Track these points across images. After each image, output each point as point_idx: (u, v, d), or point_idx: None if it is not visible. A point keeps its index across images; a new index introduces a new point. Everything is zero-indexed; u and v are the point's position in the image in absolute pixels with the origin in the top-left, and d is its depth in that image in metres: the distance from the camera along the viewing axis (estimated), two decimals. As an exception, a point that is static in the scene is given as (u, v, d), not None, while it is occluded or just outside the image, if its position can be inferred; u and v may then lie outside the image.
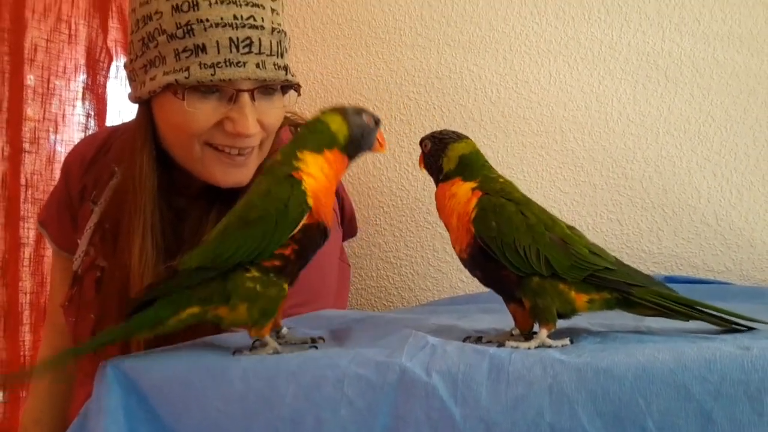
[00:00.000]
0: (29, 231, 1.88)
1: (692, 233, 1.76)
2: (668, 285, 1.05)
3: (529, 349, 0.91)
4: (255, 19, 1.25)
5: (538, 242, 0.98)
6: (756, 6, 1.74)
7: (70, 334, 1.50)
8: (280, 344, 1.01)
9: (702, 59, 1.76)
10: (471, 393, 0.81)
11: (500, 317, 1.12)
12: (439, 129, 1.14)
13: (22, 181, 1.87)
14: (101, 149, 1.55)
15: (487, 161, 1.10)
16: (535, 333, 0.98)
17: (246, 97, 1.27)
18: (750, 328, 0.98)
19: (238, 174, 1.34)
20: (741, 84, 1.75)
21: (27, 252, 1.88)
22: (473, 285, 1.10)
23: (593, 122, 1.81)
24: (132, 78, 1.36)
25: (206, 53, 1.23)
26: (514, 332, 1.05)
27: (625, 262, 1.12)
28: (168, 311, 0.98)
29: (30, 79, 1.90)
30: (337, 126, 1.07)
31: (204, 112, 1.27)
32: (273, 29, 1.28)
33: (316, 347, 1.00)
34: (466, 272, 1.08)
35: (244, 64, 1.24)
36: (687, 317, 1.00)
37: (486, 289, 1.08)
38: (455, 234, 1.04)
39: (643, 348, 0.86)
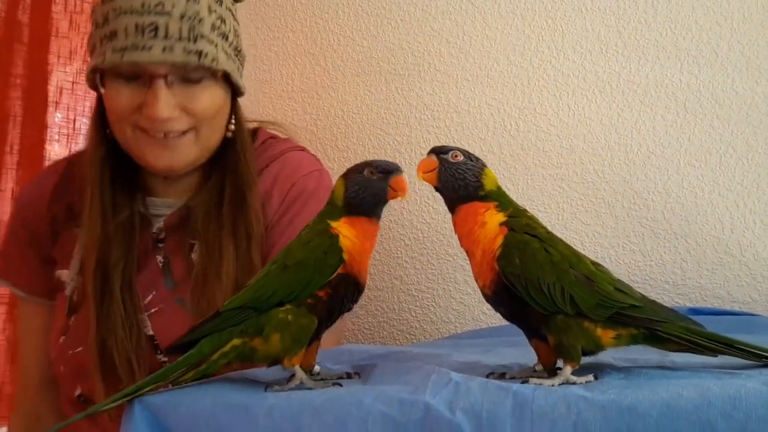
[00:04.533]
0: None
1: (716, 264, 1.75)
2: (693, 317, 1.04)
3: (552, 386, 0.91)
4: (163, 6, 1.31)
5: (563, 280, 0.97)
6: (774, 36, 1.75)
7: (66, 368, 1.46)
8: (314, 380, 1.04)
9: (721, 90, 1.76)
10: (495, 431, 0.81)
11: (524, 351, 1.12)
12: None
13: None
14: (62, 178, 1.55)
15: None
16: (559, 368, 0.98)
17: (160, 82, 1.32)
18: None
19: (168, 157, 1.39)
20: (761, 114, 1.75)
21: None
22: (496, 318, 1.10)
23: (613, 154, 1.82)
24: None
25: (117, 38, 1.31)
26: (537, 368, 1.04)
27: (649, 294, 1.11)
28: (210, 346, 1.03)
29: (57, 118, 1.96)
30: (338, 190, 1.11)
31: (124, 96, 1.35)
32: (183, 15, 1.32)
33: (340, 384, 1.02)
34: (489, 305, 1.08)
35: (150, 48, 1.30)
36: (715, 352, 0.99)
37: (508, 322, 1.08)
38: (478, 268, 1.03)
39: (667, 384, 0.85)
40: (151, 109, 1.33)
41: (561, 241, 1.03)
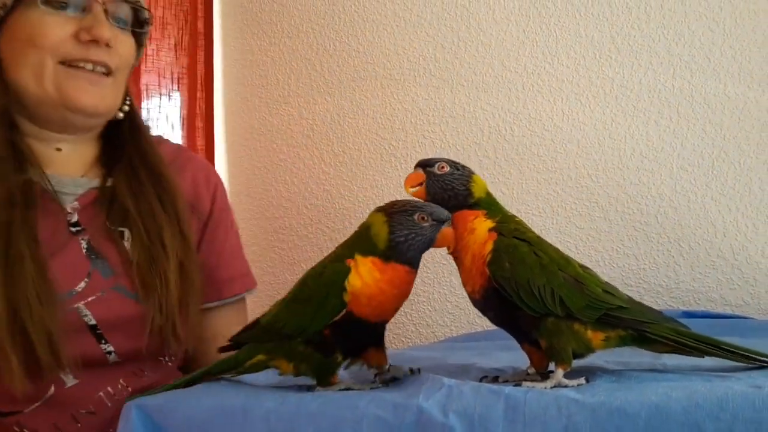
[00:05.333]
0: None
1: (709, 267, 1.77)
2: (685, 320, 1.06)
3: (545, 388, 0.92)
4: None
5: (552, 282, 0.98)
6: (765, 42, 1.77)
7: None
8: (375, 380, 1.07)
9: (713, 95, 1.78)
10: (487, 433, 0.82)
11: (517, 354, 1.13)
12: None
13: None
14: None
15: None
16: (551, 372, 0.99)
17: (99, 7, 1.31)
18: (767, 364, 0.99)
19: (93, 93, 1.33)
20: (753, 119, 1.77)
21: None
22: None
23: (607, 159, 1.84)
24: None
25: None
26: (530, 371, 1.06)
27: (643, 298, 1.13)
28: (243, 356, 1.10)
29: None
30: (378, 228, 1.03)
31: (55, 24, 1.30)
32: None
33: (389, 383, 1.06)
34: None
35: None
36: (702, 353, 1.01)
37: (499, 326, 1.09)
38: (467, 274, 1.04)
39: (657, 386, 0.86)
40: (95, 30, 1.30)
41: (549, 244, 1.05)
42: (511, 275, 0.99)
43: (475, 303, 1.06)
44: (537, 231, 1.09)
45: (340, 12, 2.06)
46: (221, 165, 2.21)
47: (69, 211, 1.35)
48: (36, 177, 1.32)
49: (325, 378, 1.05)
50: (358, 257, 1.02)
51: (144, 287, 1.31)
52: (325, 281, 1.03)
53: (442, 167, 1.07)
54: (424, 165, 1.09)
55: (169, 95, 2.07)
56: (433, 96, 1.97)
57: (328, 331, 1.02)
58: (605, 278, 1.05)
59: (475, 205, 1.06)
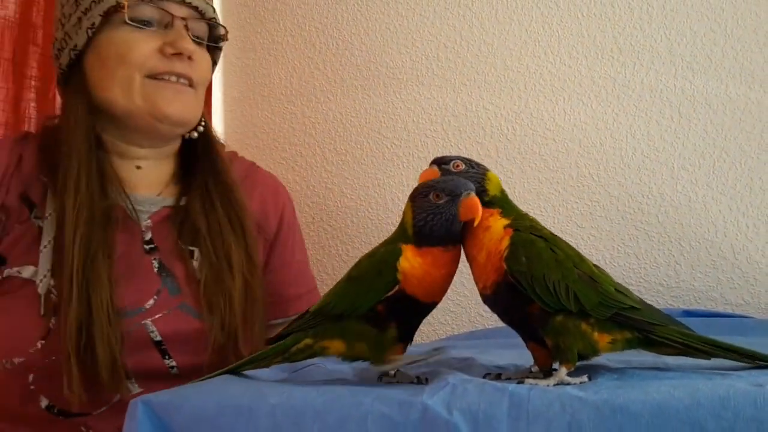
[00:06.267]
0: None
1: (709, 267, 1.78)
2: (685, 319, 1.06)
3: (548, 386, 0.93)
4: None
5: (567, 278, 0.98)
6: (767, 42, 1.77)
7: (39, 375, 1.28)
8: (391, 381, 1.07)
9: (714, 96, 1.79)
10: (491, 430, 0.83)
11: (519, 353, 1.13)
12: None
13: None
14: (4, 167, 1.37)
15: None
16: (555, 370, 1.00)
17: (181, 22, 1.37)
18: (769, 365, 0.99)
19: (179, 102, 1.39)
20: (754, 119, 1.77)
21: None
22: (492, 319, 1.12)
23: (608, 158, 1.84)
24: (62, 47, 1.39)
25: None
26: (533, 369, 1.06)
27: (643, 296, 1.13)
28: (291, 342, 1.09)
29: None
30: (407, 216, 1.06)
31: (141, 40, 1.36)
32: None
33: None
34: (485, 306, 1.09)
35: None
36: (708, 355, 1.01)
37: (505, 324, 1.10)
38: (480, 270, 1.04)
39: (659, 385, 0.87)
40: (179, 43, 1.36)
41: (564, 242, 1.05)
42: (527, 269, 0.98)
43: (485, 299, 1.06)
44: (539, 230, 1.08)
45: (342, 10, 2.06)
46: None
47: (143, 229, 1.40)
48: (118, 197, 1.37)
49: (379, 354, 1.04)
50: (402, 245, 1.05)
51: (208, 306, 1.35)
52: (378, 260, 1.05)
53: (457, 165, 1.08)
54: (439, 162, 1.09)
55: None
56: (436, 95, 1.97)
57: (381, 307, 1.03)
58: (607, 277, 1.06)
59: (489, 204, 1.07)
